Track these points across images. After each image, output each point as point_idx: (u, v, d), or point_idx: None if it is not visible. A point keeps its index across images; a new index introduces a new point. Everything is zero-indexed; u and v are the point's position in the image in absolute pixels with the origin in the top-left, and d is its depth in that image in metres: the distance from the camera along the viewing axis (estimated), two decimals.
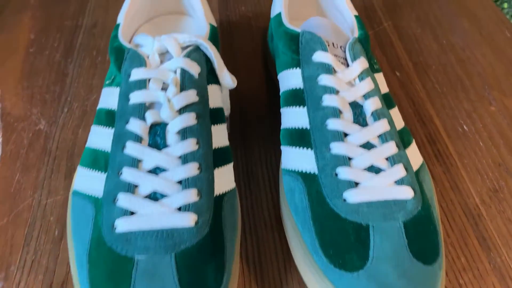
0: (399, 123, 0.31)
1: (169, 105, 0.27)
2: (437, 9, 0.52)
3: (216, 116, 0.30)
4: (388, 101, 0.32)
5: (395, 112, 0.32)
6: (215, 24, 0.37)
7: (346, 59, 0.31)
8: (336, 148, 0.27)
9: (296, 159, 0.29)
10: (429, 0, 0.53)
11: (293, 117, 0.30)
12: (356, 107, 0.29)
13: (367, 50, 0.33)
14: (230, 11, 0.50)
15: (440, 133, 0.38)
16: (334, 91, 0.29)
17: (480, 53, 0.46)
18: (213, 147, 0.28)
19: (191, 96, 0.28)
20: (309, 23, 0.33)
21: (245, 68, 0.43)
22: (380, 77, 0.33)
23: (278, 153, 0.36)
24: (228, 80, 0.31)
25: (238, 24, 0.48)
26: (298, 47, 0.31)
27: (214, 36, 0.34)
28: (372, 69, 0.32)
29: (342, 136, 0.28)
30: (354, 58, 0.31)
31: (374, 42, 0.47)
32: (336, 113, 0.28)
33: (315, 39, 0.31)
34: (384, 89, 0.33)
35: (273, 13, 0.39)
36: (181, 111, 0.28)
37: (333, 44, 0.32)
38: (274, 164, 0.36)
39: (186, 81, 0.28)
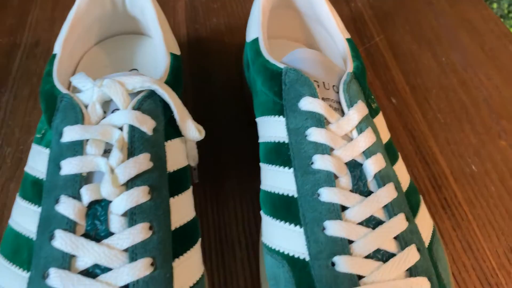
0: (405, 180, 0.25)
1: (112, 177, 0.21)
2: (433, 20, 0.46)
3: (177, 182, 0.23)
4: (391, 152, 0.26)
5: (399, 167, 0.26)
6: (178, 51, 0.30)
7: (339, 103, 0.25)
8: (333, 228, 0.21)
9: (281, 237, 0.23)
10: (425, 10, 0.47)
11: (276, 180, 0.24)
12: (354, 167, 0.23)
13: (364, 86, 0.27)
14: (200, 24, 0.43)
15: (446, 176, 0.33)
16: (327, 150, 0.23)
17: (483, 73, 0.41)
18: (174, 228, 0.22)
19: (142, 162, 0.21)
20: (294, 56, 0.26)
21: (217, 95, 0.37)
22: (380, 120, 0.27)
23: (257, 207, 0.30)
24: (193, 132, 0.25)
25: (209, 40, 0.41)
26: (281, 89, 0.25)
27: (176, 70, 0.27)
28: (371, 112, 0.26)
29: (339, 210, 0.22)
30: (351, 104, 0.24)
31: (366, 62, 0.41)
32: (330, 179, 0.22)
33: (301, 80, 0.25)
34: (386, 136, 0.27)
35: (249, 35, 0.32)
36: (129, 184, 0.21)
37: (323, 84, 0.25)
38: (252, 222, 0.29)
39: (135, 142, 0.22)
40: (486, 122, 0.37)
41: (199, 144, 0.32)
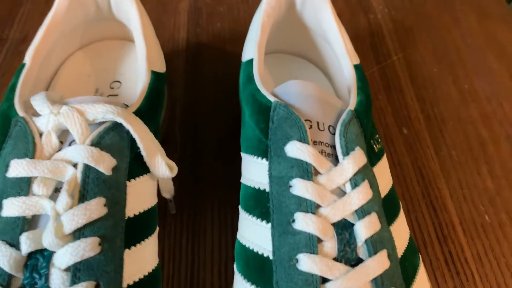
0: (403, 241, 0.22)
1: (57, 225, 0.18)
2: (459, 39, 0.42)
3: (137, 229, 0.20)
4: (390, 206, 0.22)
5: (399, 224, 0.22)
6: (162, 67, 0.27)
7: (335, 147, 0.22)
8: None
9: None
10: (450, 27, 0.43)
11: (252, 233, 0.21)
12: (343, 229, 0.20)
13: (367, 126, 0.24)
14: (202, 28, 0.40)
15: (454, 226, 0.29)
16: (312, 207, 0.20)
17: (510, 105, 0.37)
18: (126, 285, 0.19)
19: (94, 209, 0.19)
20: (287, 89, 0.23)
21: (209, 112, 0.34)
22: (382, 166, 0.24)
23: None
24: (162, 170, 0.22)
25: (209, 47, 0.38)
26: (268, 127, 0.22)
27: (155, 93, 0.24)
28: (371, 158, 0.23)
29: (319, 283, 0.19)
30: (347, 151, 0.21)
31: (379, 83, 0.37)
32: (312, 244, 0.19)
33: (291, 120, 0.21)
34: (387, 185, 0.23)
35: (245, 54, 0.29)
36: (76, 234, 0.18)
37: (318, 124, 0.22)
38: (230, 263, 0.27)
39: (89, 184, 0.19)
40: (507, 164, 0.33)
41: (181, 167, 0.29)
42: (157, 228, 0.22)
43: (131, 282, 0.19)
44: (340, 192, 0.21)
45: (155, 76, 0.25)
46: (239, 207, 0.23)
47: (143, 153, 0.21)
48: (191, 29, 0.39)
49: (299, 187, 0.20)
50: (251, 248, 0.21)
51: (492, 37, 0.42)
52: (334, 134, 0.22)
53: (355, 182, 0.21)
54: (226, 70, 0.36)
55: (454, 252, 0.28)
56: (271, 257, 0.20)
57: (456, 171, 0.32)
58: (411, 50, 0.40)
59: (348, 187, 0.21)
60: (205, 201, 0.29)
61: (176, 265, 0.26)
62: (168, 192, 0.25)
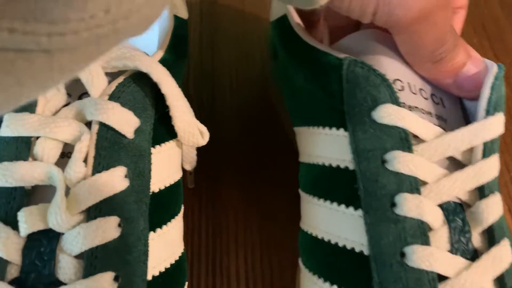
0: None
1: (66, 200, 0.14)
2: (498, 9, 0.38)
3: (163, 206, 0.17)
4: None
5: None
6: (185, 13, 0.23)
7: (431, 114, 0.18)
8: None
9: None
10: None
11: (333, 224, 0.17)
12: (454, 214, 0.16)
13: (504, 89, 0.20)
14: None
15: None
16: (416, 186, 0.16)
17: None
18: (151, 276, 0.15)
19: (111, 183, 0.15)
20: (359, 42, 0.19)
21: (229, 81, 0.29)
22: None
23: (266, 229, 0.24)
24: (194, 135, 0.18)
25: (225, 4, 0.34)
26: (342, 88, 0.17)
27: (180, 42, 0.20)
28: None
29: (436, 282, 0.15)
30: (492, 112, 0.17)
31: None
32: (423, 233, 0.15)
33: (374, 79, 0.17)
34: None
35: (273, 10, 0.24)
36: (91, 212, 0.14)
37: (409, 85, 0.18)
38: (257, 250, 0.23)
39: (107, 149, 0.15)
40: None
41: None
42: (182, 206, 0.18)
43: (157, 273, 0.15)
44: (450, 165, 0.16)
45: (179, 22, 0.21)
46: (300, 191, 0.19)
47: (172, 113, 0.17)
48: None
49: (399, 162, 0.16)
50: (332, 241, 0.17)
51: None
52: (427, 99, 0.18)
53: (485, 151, 0.16)
54: (244, 26, 0.32)
55: None
56: (365, 252, 0.16)
57: (502, 153, 0.29)
58: None
59: (476, 157, 0.16)
60: (227, 174, 0.25)
61: (195, 252, 0.23)
62: (190, 162, 0.21)
